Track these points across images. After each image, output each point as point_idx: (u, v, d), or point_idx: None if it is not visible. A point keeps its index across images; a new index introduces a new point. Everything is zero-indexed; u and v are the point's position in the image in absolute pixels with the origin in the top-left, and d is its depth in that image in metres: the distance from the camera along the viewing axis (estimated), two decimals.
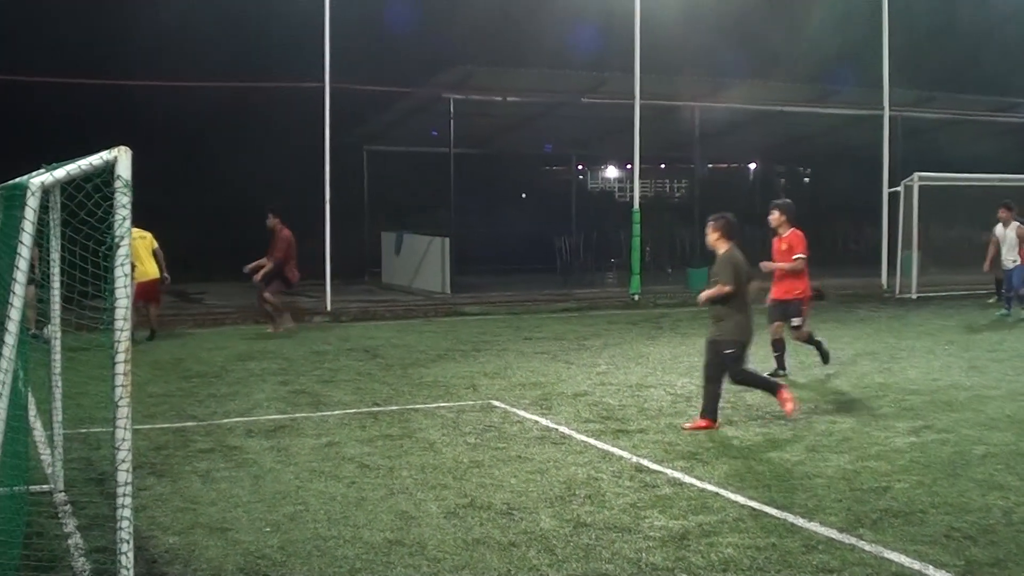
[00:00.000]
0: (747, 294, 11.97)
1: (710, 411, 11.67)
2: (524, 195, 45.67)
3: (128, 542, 5.80)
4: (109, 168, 5.69)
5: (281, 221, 20.36)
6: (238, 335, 20.15)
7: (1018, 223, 22.24)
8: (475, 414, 12.55)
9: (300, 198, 27.56)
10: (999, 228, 22.61)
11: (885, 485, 9.15)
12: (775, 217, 15.29)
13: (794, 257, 14.95)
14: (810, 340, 15.55)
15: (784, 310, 15.16)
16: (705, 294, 12.05)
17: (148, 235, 19.49)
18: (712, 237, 12.32)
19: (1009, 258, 22.31)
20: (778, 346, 15.31)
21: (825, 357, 15.57)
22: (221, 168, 34.28)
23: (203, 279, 27.93)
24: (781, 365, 15.32)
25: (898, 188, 28.62)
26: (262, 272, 20.15)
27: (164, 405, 13.11)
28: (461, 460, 10.14)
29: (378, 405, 13.17)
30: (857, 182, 37.01)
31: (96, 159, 5.71)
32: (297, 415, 12.51)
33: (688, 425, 11.57)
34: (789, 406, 11.84)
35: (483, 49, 34.93)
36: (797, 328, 15.16)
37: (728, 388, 14.04)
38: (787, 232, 15.11)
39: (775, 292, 15.28)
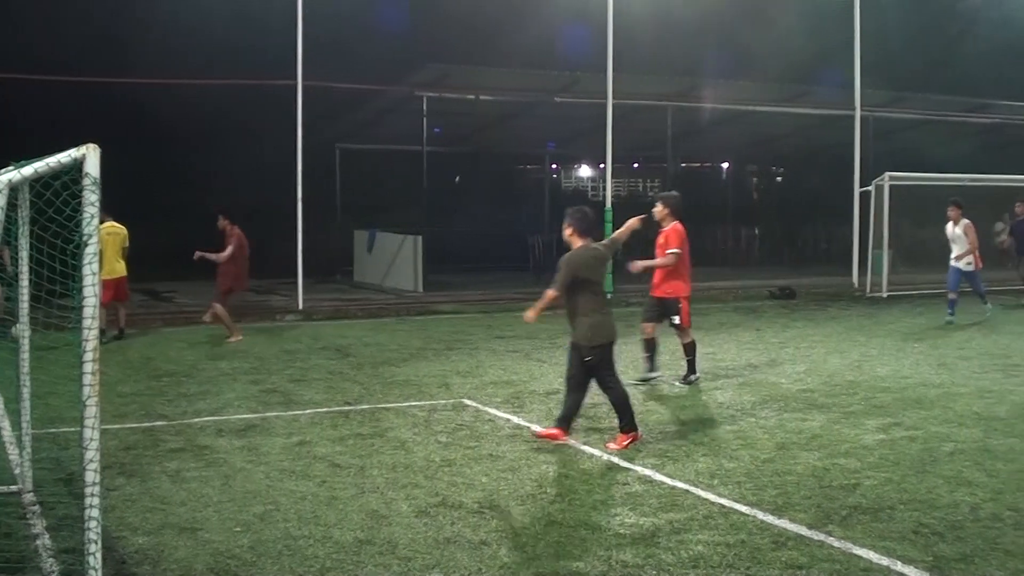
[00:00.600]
0: (596, 292, 11.30)
1: (628, 423, 10.92)
2: (498, 194, 45.71)
3: (96, 543, 5.77)
4: (78, 166, 5.67)
5: (231, 222, 19.52)
6: (209, 334, 20.07)
7: (967, 221, 21.50)
8: (447, 413, 12.54)
9: (273, 196, 27.53)
10: (949, 227, 21.77)
11: (854, 482, 9.19)
12: (658, 210, 14.53)
13: (667, 252, 14.28)
14: (688, 348, 14.76)
15: (662, 310, 14.67)
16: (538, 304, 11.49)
17: (123, 232, 19.36)
18: (566, 232, 11.75)
19: (963, 259, 21.44)
20: (649, 346, 14.76)
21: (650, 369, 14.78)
22: (193, 166, 34.22)
23: (174, 278, 27.78)
24: (652, 367, 14.78)
25: (869, 188, 28.73)
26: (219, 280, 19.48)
27: (134, 404, 13.05)
28: (432, 459, 10.13)
29: (349, 404, 13.15)
30: (829, 182, 37.18)
31: (65, 156, 5.68)
32: (268, 414, 12.46)
33: (613, 445, 10.68)
34: (559, 439, 10.89)
35: (457, 48, 34.94)
36: (679, 327, 14.61)
37: (699, 386, 14.13)
38: (668, 226, 14.41)
39: (653, 290, 14.76)
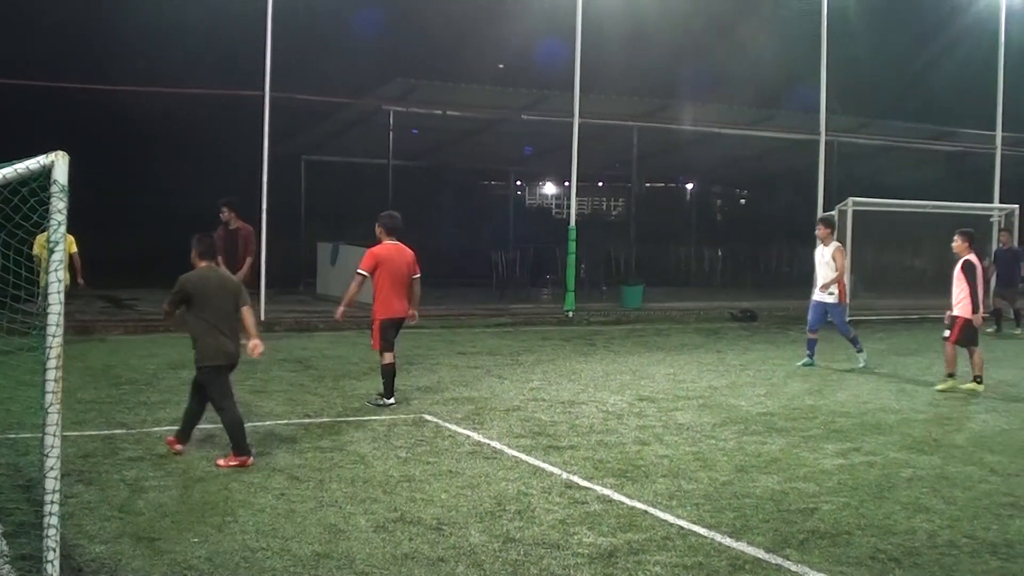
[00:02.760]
0: (210, 313, 11.05)
1: (239, 446, 10.48)
2: (462, 209, 45.77)
3: (55, 550, 5.76)
4: (46, 172, 5.65)
5: (238, 215, 18.97)
6: (170, 343, 19.95)
7: (838, 244, 19.03)
8: (407, 428, 12.53)
9: (236, 206, 27.41)
10: (818, 250, 19.02)
11: (812, 506, 9.24)
12: (378, 229, 14.65)
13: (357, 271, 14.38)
14: (382, 370, 14.34)
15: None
16: None
17: (70, 238, 19.13)
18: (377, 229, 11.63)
19: (828, 289, 18.61)
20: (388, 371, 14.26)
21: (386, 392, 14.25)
22: (156, 174, 34.08)
23: (135, 285, 27.63)
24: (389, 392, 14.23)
25: (832, 212, 28.89)
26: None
27: (93, 412, 12.98)
28: (391, 474, 10.11)
29: (309, 417, 13.12)
30: (793, 205, 37.46)
31: (33, 163, 5.68)
32: None
33: (221, 462, 10.36)
34: (176, 448, 10.88)
35: (425, 63, 34.99)
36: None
37: (660, 407, 14.17)
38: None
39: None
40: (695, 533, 8.40)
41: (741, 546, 8.09)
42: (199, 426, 12.15)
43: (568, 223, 28.31)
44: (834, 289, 18.61)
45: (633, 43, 35.83)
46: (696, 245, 42.92)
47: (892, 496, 9.65)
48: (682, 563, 7.65)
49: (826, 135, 30.85)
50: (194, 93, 27.14)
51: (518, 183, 48.05)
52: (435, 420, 13.04)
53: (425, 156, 37.78)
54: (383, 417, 13.19)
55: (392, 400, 14.11)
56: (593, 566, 7.54)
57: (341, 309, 14.47)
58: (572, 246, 27.29)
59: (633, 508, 9.09)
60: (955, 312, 16.71)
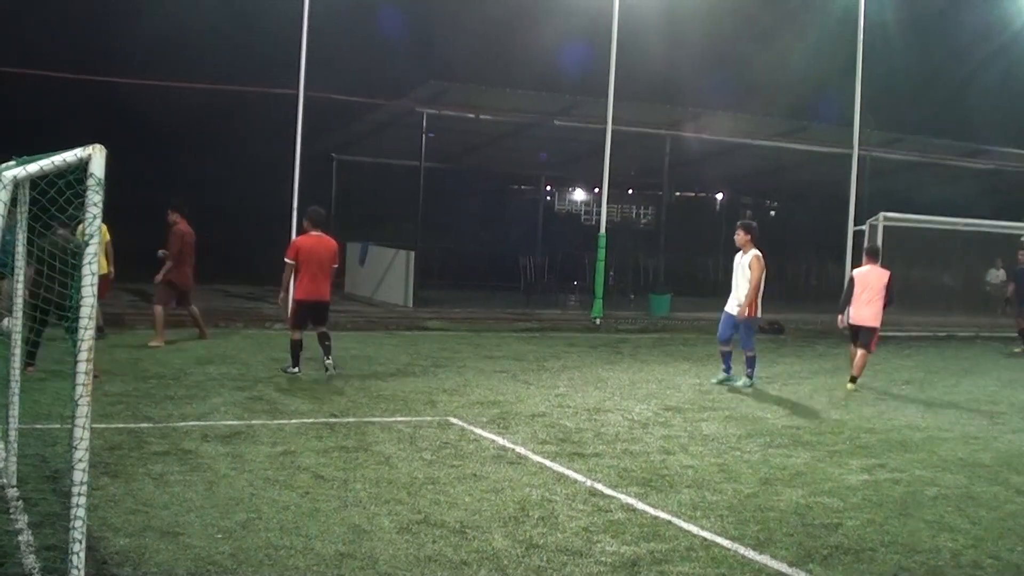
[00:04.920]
0: None
1: None
2: (491, 213, 45.79)
3: (80, 542, 5.78)
4: (83, 165, 5.68)
5: (182, 216, 19.63)
6: (197, 338, 20.04)
7: (757, 252, 17.49)
8: (432, 430, 12.54)
9: (268, 203, 27.55)
10: (737, 257, 17.84)
11: (837, 521, 9.21)
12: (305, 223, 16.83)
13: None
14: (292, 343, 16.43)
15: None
16: None
17: (103, 227, 19.30)
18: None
19: (737, 300, 17.59)
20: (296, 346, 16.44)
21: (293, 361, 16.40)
22: (189, 169, 34.22)
23: None
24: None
25: (863, 227, 28.80)
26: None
27: (120, 405, 13.02)
28: (416, 476, 10.12)
29: (335, 416, 13.14)
30: (823, 218, 37.33)
31: (70, 155, 5.70)
32: (254, 422, 12.46)
33: None
34: None
35: (460, 66, 35.06)
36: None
37: (686, 417, 14.13)
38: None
39: None
40: (718, 545, 8.38)
41: (764, 559, 8.06)
42: (227, 422, 12.24)
43: (598, 230, 28.28)
44: (744, 301, 17.34)
45: (667, 51, 35.81)
46: (725, 255, 42.76)
47: (917, 514, 9.61)
48: (705, 574, 7.63)
49: (859, 149, 30.76)
50: (229, 90, 27.24)
51: (548, 188, 48.01)
52: (460, 423, 13.04)
53: (456, 159, 37.79)
54: (408, 418, 13.20)
55: (297, 369, 16.31)
56: (616, 575, 7.53)
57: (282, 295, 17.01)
58: (601, 253, 27.26)
59: (657, 518, 9.07)
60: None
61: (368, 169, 37.54)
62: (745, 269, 17.40)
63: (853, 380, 17.94)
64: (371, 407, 13.92)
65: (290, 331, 16.59)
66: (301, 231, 16.97)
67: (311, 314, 16.45)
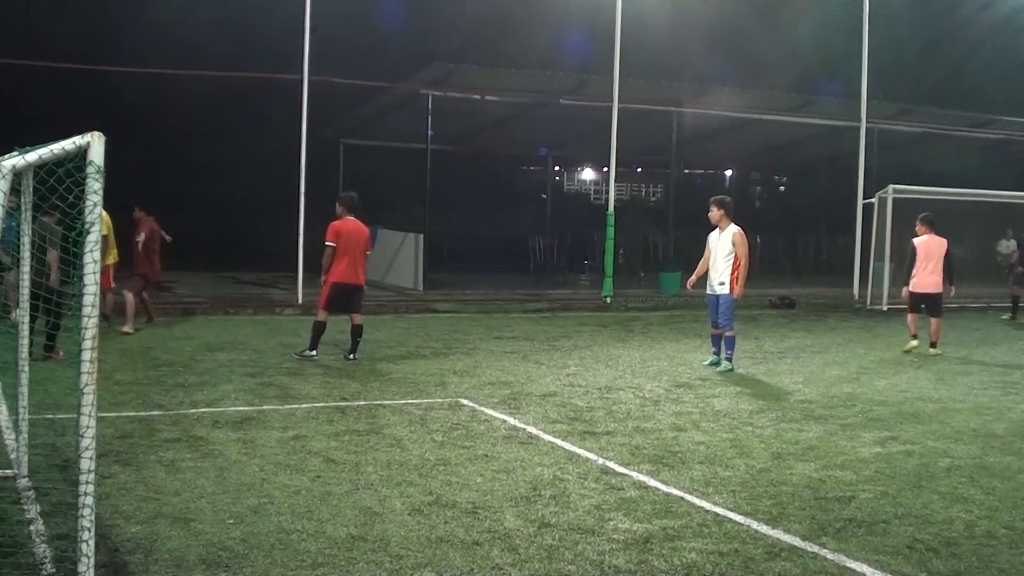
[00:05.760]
0: None
1: None
2: (500, 194, 45.71)
3: (89, 530, 5.76)
4: (82, 153, 5.65)
5: (147, 214, 19.90)
6: (208, 325, 20.07)
7: (737, 228, 16.57)
8: (443, 412, 12.52)
9: (276, 189, 27.54)
10: (713, 235, 16.89)
11: (850, 495, 9.17)
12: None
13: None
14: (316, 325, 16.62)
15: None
16: None
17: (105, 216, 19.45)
18: None
19: (718, 279, 16.63)
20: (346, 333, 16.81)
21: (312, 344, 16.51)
22: (196, 157, 34.19)
23: (174, 268, 27.73)
24: (312, 344, 16.57)
25: (872, 200, 28.74)
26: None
27: (131, 393, 13.03)
28: (427, 457, 10.11)
29: (346, 400, 13.13)
30: (832, 192, 37.24)
31: (69, 144, 5.67)
32: (264, 407, 12.45)
33: None
34: None
35: (464, 47, 34.94)
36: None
37: (697, 394, 14.11)
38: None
39: None
40: (731, 520, 8.35)
41: (777, 533, 8.03)
42: (237, 408, 12.24)
43: (607, 208, 28.24)
44: (726, 279, 16.50)
45: (673, 28, 35.64)
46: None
47: (930, 485, 9.56)
48: (718, 550, 7.60)
49: (867, 122, 30.67)
50: (233, 76, 27.17)
51: (556, 168, 47.90)
52: (471, 404, 13.02)
53: (463, 141, 37.73)
54: (419, 400, 13.19)
55: (315, 352, 16.40)
56: (628, 552, 7.51)
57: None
58: (611, 231, 27.22)
59: (669, 494, 9.04)
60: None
61: (375, 153, 37.50)
62: (727, 246, 16.50)
63: (933, 345, 19.03)
64: (382, 390, 13.91)
65: (317, 312, 16.67)
66: (333, 216, 16.97)
67: (345, 298, 16.55)
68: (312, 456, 10.03)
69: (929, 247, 19.07)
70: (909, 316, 19.53)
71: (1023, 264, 26.21)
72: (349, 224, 16.54)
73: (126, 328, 18.61)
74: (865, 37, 30.11)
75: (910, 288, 19.38)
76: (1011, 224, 29.37)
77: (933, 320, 19.14)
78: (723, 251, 16.55)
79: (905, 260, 19.77)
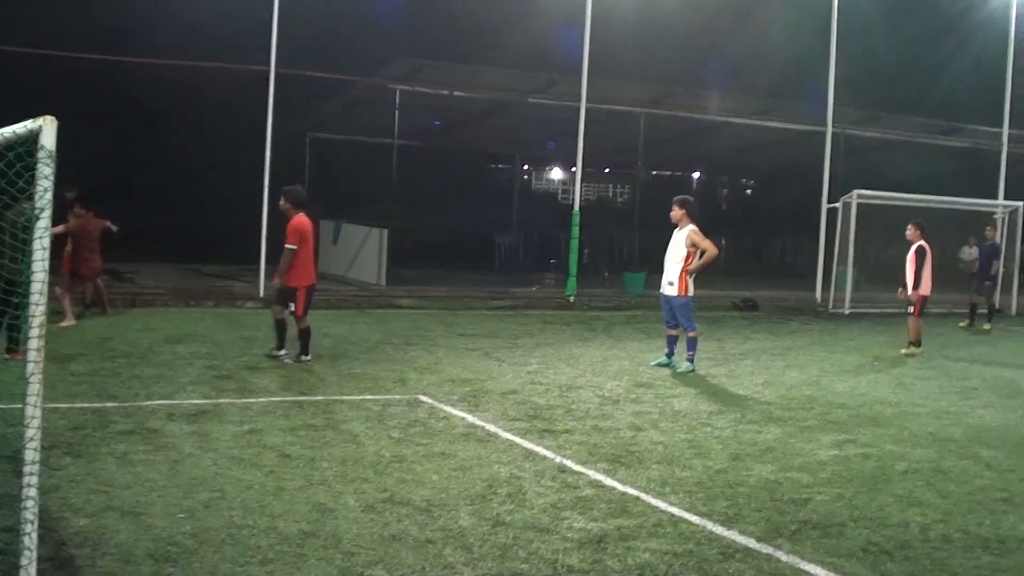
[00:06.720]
0: None
1: None
2: (467, 191, 45.66)
3: (33, 523, 5.66)
4: (33, 138, 5.55)
5: (87, 210, 19.49)
6: (168, 317, 19.92)
7: (694, 227, 16.39)
8: (401, 408, 12.44)
9: (242, 182, 27.35)
10: (675, 233, 16.59)
11: (806, 497, 9.15)
12: (281, 203, 16.06)
13: (285, 246, 15.53)
14: (302, 334, 15.70)
15: (281, 295, 15.71)
16: None
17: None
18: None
19: (668, 279, 16.59)
20: (278, 327, 15.77)
21: (298, 352, 15.68)
22: (160, 148, 33.99)
23: (137, 259, 27.57)
24: (279, 344, 15.79)
25: (837, 204, 28.84)
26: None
27: (86, 384, 12.90)
28: (383, 454, 10.02)
29: (304, 394, 13.03)
30: (798, 196, 37.37)
31: (20, 128, 5.58)
32: (221, 400, 12.34)
33: None
34: None
35: (434, 44, 34.83)
36: (293, 314, 15.61)
37: (657, 394, 14.10)
38: (293, 218, 15.65)
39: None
40: (687, 520, 8.31)
41: (733, 535, 8.00)
42: (193, 401, 12.14)
43: (572, 208, 28.21)
44: (675, 280, 16.43)
45: (643, 29, 35.61)
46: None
47: (886, 489, 9.56)
48: (672, 550, 7.57)
49: (833, 127, 30.80)
50: (200, 67, 26.95)
51: (525, 167, 47.90)
52: (430, 401, 12.95)
53: (431, 137, 37.65)
54: (378, 397, 13.10)
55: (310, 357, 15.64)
56: (582, 551, 7.46)
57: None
58: (576, 231, 27.20)
59: (625, 494, 9.00)
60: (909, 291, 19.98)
61: (342, 147, 37.41)
62: (680, 248, 16.38)
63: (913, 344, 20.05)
64: (340, 385, 13.81)
65: (299, 320, 15.61)
66: (280, 212, 16.31)
67: (308, 300, 15.88)
68: (267, 451, 9.94)
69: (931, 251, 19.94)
70: (920, 321, 20.16)
71: (984, 271, 26.34)
72: (306, 223, 15.72)
73: (65, 323, 18.33)
74: (833, 42, 30.20)
75: (923, 292, 19.94)
76: (974, 231, 29.52)
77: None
78: (676, 252, 16.47)
79: (898, 263, 20.23)
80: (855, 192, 28.19)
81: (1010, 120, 33.49)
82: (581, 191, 29.21)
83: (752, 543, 7.82)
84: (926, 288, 19.94)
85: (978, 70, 38.13)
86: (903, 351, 19.82)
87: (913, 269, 19.93)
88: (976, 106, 36.90)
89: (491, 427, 11.52)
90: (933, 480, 9.97)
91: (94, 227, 19.43)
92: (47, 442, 9.80)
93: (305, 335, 15.64)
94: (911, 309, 19.99)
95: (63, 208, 19.25)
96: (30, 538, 5.65)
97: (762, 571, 7.23)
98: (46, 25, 29.30)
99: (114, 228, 19.80)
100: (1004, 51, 32.94)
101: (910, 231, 20.26)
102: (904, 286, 20.12)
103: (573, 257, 27.15)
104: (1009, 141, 33.71)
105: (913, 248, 20.03)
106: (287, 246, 15.40)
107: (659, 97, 31.78)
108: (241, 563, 6.93)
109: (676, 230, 16.60)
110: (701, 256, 16.42)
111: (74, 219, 19.15)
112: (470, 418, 12.01)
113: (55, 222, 17.62)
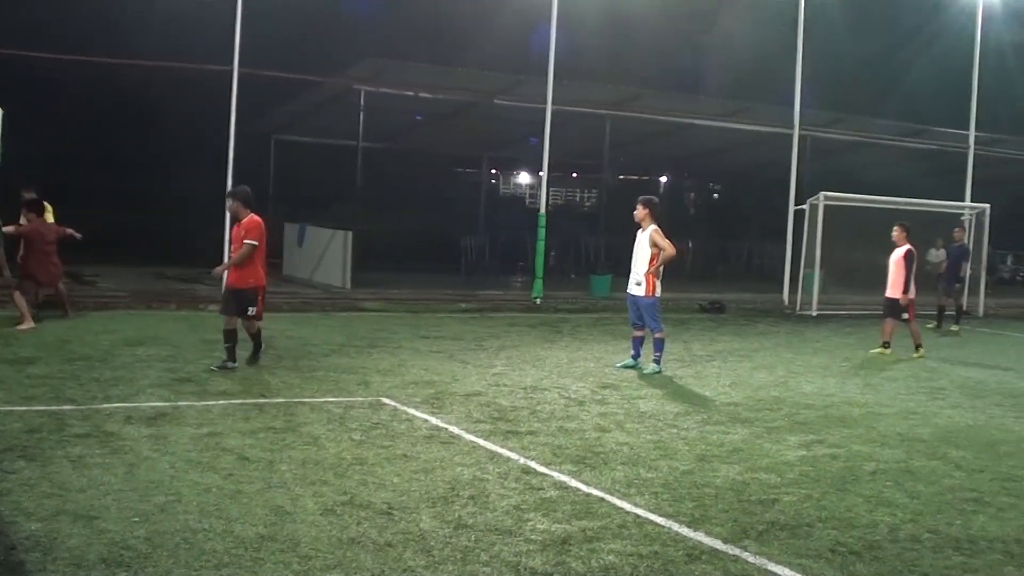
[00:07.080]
0: None
1: None
2: (433, 194, 45.55)
3: None
4: None
5: (38, 215, 19.08)
6: (128, 319, 19.68)
7: (656, 227, 16.37)
8: (363, 410, 12.27)
9: (204, 184, 27.17)
10: (639, 234, 16.58)
11: (773, 497, 9.05)
12: (229, 204, 15.68)
13: (244, 241, 14.78)
14: (258, 335, 15.21)
15: (238, 300, 14.90)
16: None
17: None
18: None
19: (635, 279, 16.50)
20: (229, 337, 14.76)
21: (255, 354, 15.21)
22: (121, 150, 33.73)
23: (98, 262, 27.28)
24: (231, 356, 14.75)
25: (804, 207, 28.84)
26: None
27: (43, 387, 12.67)
28: (344, 456, 9.85)
29: (264, 396, 12.84)
30: (765, 199, 37.43)
31: None
32: (180, 403, 12.13)
33: None
34: None
35: (399, 44, 34.72)
36: (251, 318, 14.97)
37: (623, 395, 13.98)
38: (245, 218, 14.96)
39: (230, 279, 15.37)
40: (652, 522, 8.19)
41: (699, 536, 7.88)
42: (152, 404, 11.95)
43: (539, 211, 28.11)
44: (642, 280, 16.34)
45: (610, 31, 35.63)
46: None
47: (855, 489, 9.47)
48: (637, 552, 7.44)
49: (800, 129, 30.80)
50: (161, 67, 26.68)
51: (492, 171, 47.79)
52: (393, 403, 12.78)
53: (397, 139, 37.49)
54: (340, 399, 12.92)
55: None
56: (546, 553, 7.32)
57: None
58: (542, 233, 27.11)
59: (590, 495, 8.87)
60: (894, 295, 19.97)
61: (307, 149, 37.23)
62: (645, 248, 16.34)
63: (888, 346, 20.28)
64: (302, 388, 13.62)
65: (259, 322, 15.19)
66: (231, 213, 15.96)
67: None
68: (225, 453, 9.76)
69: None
70: (916, 323, 20.46)
71: (953, 273, 26.39)
72: (262, 221, 15.08)
73: (24, 326, 18.04)
74: (800, 44, 30.23)
75: (911, 295, 19.99)
76: (941, 233, 29.56)
77: (891, 321, 20.13)
78: (642, 252, 16.40)
79: (898, 267, 20.02)
80: (822, 194, 28.19)
81: (976, 122, 33.63)
82: (548, 195, 29.08)
83: (719, 544, 7.70)
84: (912, 291, 19.99)
85: (944, 72, 38.28)
86: (914, 355, 19.80)
87: (904, 273, 19.79)
88: (943, 108, 37.05)
89: (454, 429, 11.37)
90: (902, 480, 9.89)
91: (49, 231, 19.08)
92: (1, 445, 9.63)
93: (258, 338, 15.24)
94: (905, 316, 19.95)
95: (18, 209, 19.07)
96: None
97: (729, 572, 7.12)
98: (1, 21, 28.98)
99: (77, 235, 19.47)
100: (970, 53, 33.08)
101: (896, 233, 20.11)
102: (905, 291, 19.88)
103: (539, 259, 27.05)
104: (976, 143, 33.83)
105: (902, 252, 19.89)
106: (248, 241, 14.75)
107: (626, 99, 31.70)
108: (195, 567, 6.76)
109: (639, 231, 16.56)
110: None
111: (27, 222, 18.91)
112: (433, 420, 11.85)
113: (8, 222, 17.38)
